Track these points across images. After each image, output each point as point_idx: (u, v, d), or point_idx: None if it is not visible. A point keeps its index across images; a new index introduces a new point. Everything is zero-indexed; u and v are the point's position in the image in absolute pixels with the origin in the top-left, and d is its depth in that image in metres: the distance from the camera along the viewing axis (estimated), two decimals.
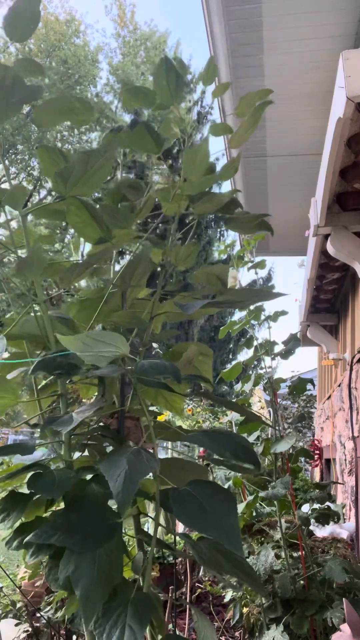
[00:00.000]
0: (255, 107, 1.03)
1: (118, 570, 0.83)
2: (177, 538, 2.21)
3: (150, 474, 0.83)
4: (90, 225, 1.04)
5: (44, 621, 2.00)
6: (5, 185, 1.07)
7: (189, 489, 0.83)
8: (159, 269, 1.15)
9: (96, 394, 1.17)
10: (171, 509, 0.80)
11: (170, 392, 1.02)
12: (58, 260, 1.20)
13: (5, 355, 1.12)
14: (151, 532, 1.07)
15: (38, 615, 2.08)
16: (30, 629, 2.08)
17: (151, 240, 1.11)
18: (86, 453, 1.08)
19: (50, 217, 1.14)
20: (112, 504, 0.88)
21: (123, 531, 0.93)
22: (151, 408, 1.30)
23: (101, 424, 1.08)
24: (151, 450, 0.87)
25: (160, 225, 2.52)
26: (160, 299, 1.11)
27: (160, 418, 3.75)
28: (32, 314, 1.08)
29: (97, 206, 1.04)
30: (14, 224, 1.14)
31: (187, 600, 2.71)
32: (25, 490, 0.93)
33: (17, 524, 0.94)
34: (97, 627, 0.75)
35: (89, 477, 0.96)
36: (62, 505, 0.95)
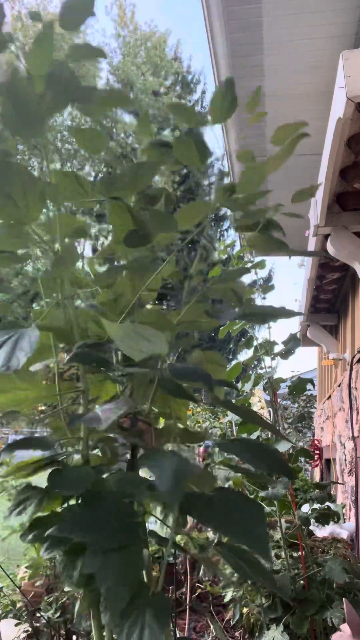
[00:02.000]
0: (292, 138, 1.06)
1: (139, 569, 0.85)
2: (178, 537, 2.21)
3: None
4: (129, 228, 1.05)
5: (44, 621, 2.00)
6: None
7: (215, 495, 0.84)
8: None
9: (114, 393, 1.18)
10: (190, 512, 0.81)
11: (184, 399, 1.03)
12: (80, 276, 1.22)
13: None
14: (157, 532, 1.09)
15: (38, 615, 2.08)
16: (30, 629, 2.09)
17: (205, 238, 1.14)
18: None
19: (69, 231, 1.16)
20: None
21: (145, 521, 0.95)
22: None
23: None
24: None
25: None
26: (169, 308, 1.13)
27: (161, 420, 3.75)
28: (60, 308, 1.09)
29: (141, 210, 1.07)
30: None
31: (187, 600, 2.71)
32: (37, 484, 0.94)
33: (32, 518, 0.95)
34: (114, 626, 0.76)
35: (104, 474, 0.96)
36: (74, 502, 0.95)
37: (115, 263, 1.20)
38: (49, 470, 0.91)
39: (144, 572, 0.90)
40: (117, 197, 1.03)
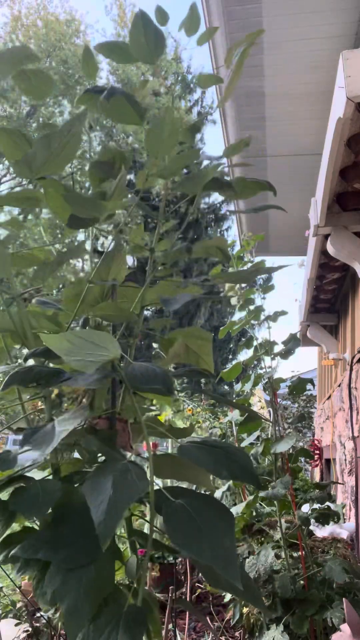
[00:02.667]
0: (241, 51, 0.98)
1: (108, 581, 0.78)
2: None
3: (147, 471, 0.78)
4: (69, 210, 0.96)
5: (44, 621, 2.00)
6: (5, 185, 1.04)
7: (183, 502, 0.75)
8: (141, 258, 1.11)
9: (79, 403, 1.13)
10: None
11: (153, 393, 0.96)
12: (30, 251, 1.12)
13: None
14: (145, 531, 1.03)
15: (38, 615, 2.08)
16: (30, 629, 2.08)
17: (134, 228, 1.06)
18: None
19: (22, 204, 1.05)
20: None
21: (117, 532, 0.90)
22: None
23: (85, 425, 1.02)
24: (144, 454, 0.82)
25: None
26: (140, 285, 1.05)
27: (160, 418, 3.75)
28: (5, 308, 1.02)
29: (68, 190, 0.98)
30: None
31: (187, 601, 2.71)
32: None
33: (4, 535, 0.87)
34: None
35: (77, 483, 0.90)
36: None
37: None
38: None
39: (116, 581, 0.84)
40: (43, 177, 0.95)
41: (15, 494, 0.82)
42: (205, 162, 1.03)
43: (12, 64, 0.98)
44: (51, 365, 0.98)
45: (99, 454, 0.98)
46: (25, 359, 0.95)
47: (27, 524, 0.97)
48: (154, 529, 0.80)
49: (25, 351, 1.05)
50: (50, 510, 0.83)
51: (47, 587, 0.73)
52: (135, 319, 1.00)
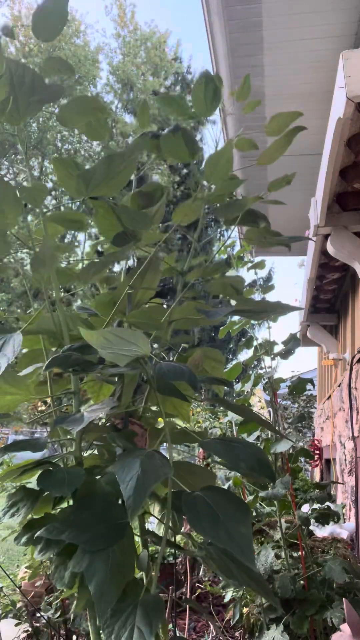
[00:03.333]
0: (289, 130, 1.05)
1: (130, 569, 0.84)
2: (178, 537, 2.21)
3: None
4: (116, 228, 1.04)
5: (44, 621, 2.00)
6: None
7: (202, 494, 0.81)
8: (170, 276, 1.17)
9: (109, 396, 1.17)
10: (182, 511, 0.79)
11: (174, 397, 1.01)
12: (70, 266, 1.21)
13: (23, 351, 1.14)
14: (156, 531, 1.08)
15: (38, 615, 2.08)
16: (30, 629, 2.08)
17: (168, 247, 1.12)
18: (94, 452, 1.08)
19: (66, 226, 1.14)
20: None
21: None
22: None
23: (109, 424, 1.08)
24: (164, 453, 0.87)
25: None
26: (163, 301, 1.12)
27: (160, 420, 3.75)
28: (48, 311, 1.08)
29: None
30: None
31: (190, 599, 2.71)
32: (32, 486, 0.93)
33: (25, 519, 0.94)
34: (105, 627, 0.75)
35: (98, 475, 0.96)
36: (70, 503, 0.95)
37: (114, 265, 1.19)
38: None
39: (137, 571, 0.90)
40: (96, 196, 1.01)
41: (43, 475, 0.88)
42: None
43: (83, 114, 1.05)
44: None
45: (118, 453, 1.03)
46: (63, 352, 1.01)
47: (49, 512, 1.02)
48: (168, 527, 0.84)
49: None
50: (70, 500, 0.91)
51: (74, 568, 0.78)
52: (164, 329, 1.06)
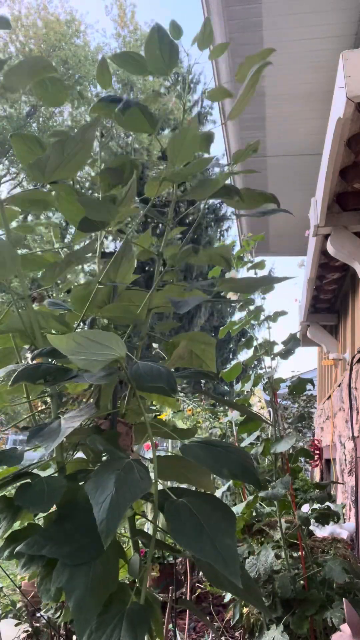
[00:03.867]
0: (255, 69, 1.00)
1: (113, 578, 0.79)
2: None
3: (150, 471, 0.79)
4: (82, 212, 0.99)
5: (44, 621, 2.00)
6: (5, 185, 1.06)
7: (186, 502, 0.76)
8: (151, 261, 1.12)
9: (85, 389, 1.14)
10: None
11: (158, 394, 0.98)
12: (39, 254, 1.14)
13: None
14: (151, 532, 1.05)
15: (38, 615, 2.08)
16: (30, 629, 2.08)
17: (139, 231, 1.08)
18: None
19: (31, 207, 1.08)
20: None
21: (119, 532, 0.90)
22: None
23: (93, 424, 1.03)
24: (146, 454, 0.83)
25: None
26: (147, 289, 1.07)
27: (161, 417, 3.74)
28: (16, 309, 1.03)
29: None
30: None
31: (189, 600, 2.71)
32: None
33: (8, 532, 0.89)
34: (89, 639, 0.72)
35: (82, 481, 0.91)
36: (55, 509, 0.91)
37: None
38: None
39: (119, 579, 0.85)
40: (55, 181, 0.97)
41: (21, 489, 0.83)
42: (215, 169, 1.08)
43: (31, 75, 1.01)
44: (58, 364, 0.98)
45: (103, 454, 0.98)
46: (32, 358, 0.96)
47: (32, 521, 0.98)
48: (156, 528, 0.81)
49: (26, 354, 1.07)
50: (55, 508, 0.85)
51: (54, 583, 0.74)
52: (142, 321, 1.02)
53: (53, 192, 1.06)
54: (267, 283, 1.07)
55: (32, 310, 1.02)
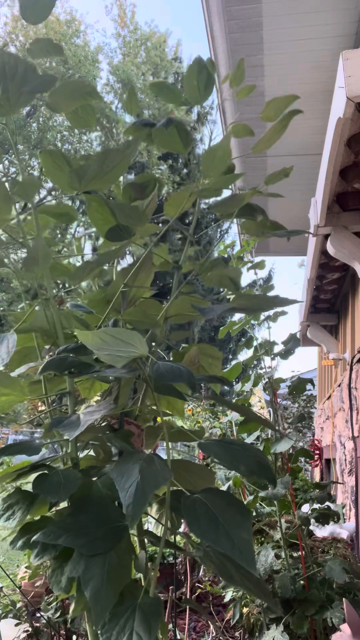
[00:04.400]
0: (285, 115, 1.03)
1: (127, 572, 0.82)
2: (178, 537, 2.21)
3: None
4: (110, 222, 1.03)
5: (44, 621, 2.00)
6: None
7: (201, 497, 0.79)
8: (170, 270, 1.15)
9: (98, 395, 1.16)
10: (180, 511, 0.78)
11: (172, 396, 1.00)
12: (61, 261, 1.20)
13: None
14: (153, 531, 1.06)
15: (38, 615, 2.08)
16: (30, 629, 2.08)
17: (169, 242, 1.11)
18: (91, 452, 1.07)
19: (55, 219, 1.13)
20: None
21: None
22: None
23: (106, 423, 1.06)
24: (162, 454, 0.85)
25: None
26: (161, 299, 1.11)
27: (159, 419, 3.74)
28: (41, 309, 1.07)
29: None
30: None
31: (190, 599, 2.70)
32: (29, 487, 0.91)
33: (21, 523, 0.92)
34: (104, 632, 0.73)
35: (94, 477, 0.94)
36: (66, 504, 0.93)
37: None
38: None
39: (135, 573, 0.88)
40: (89, 191, 1.00)
41: (39, 479, 0.86)
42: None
43: (75, 99, 1.04)
44: None
45: (114, 453, 1.02)
46: (58, 354, 0.99)
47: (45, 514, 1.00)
48: (167, 528, 0.83)
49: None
50: (68, 502, 0.88)
51: (70, 573, 0.76)
52: (160, 327, 1.04)
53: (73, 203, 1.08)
54: (278, 304, 1.09)
55: (57, 310, 1.05)
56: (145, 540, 0.99)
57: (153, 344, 1.07)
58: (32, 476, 0.92)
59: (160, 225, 1.14)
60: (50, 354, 1.06)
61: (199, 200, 1.09)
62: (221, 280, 1.14)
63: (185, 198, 1.06)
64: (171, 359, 1.18)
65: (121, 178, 1.05)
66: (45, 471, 0.90)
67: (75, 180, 0.97)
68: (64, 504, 0.94)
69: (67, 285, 1.19)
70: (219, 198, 1.09)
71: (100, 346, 0.80)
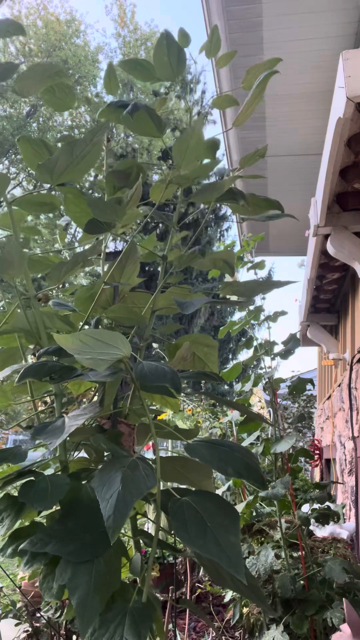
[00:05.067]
0: (262, 78, 1.00)
1: (116, 577, 0.80)
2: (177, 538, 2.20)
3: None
4: (89, 214, 1.00)
5: (44, 621, 2.00)
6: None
7: (190, 500, 0.77)
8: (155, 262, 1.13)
9: (92, 390, 1.14)
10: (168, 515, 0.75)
11: (160, 394, 0.98)
12: (45, 255, 1.16)
13: None
14: (151, 532, 1.05)
15: (38, 615, 2.08)
16: (30, 629, 2.08)
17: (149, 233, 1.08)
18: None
19: (37, 209, 1.09)
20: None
21: (121, 531, 0.90)
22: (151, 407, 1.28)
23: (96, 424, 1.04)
24: (148, 455, 0.83)
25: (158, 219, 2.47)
26: (151, 291, 1.08)
27: (160, 417, 3.74)
28: (22, 309, 1.04)
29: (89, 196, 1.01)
30: None
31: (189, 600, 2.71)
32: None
33: (10, 530, 0.89)
34: (93, 639, 0.72)
35: (85, 480, 0.92)
36: (59, 507, 0.92)
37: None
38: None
39: (122, 578, 0.86)
40: (63, 183, 0.98)
41: (25, 487, 0.83)
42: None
43: (42, 81, 1.02)
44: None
45: (106, 454, 0.99)
46: (38, 357, 0.97)
47: (36, 519, 0.99)
48: (159, 528, 0.81)
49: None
50: (58, 506, 0.85)
51: (57, 581, 0.74)
52: (146, 322, 1.02)
53: (57, 194, 1.06)
54: (270, 287, 1.07)
55: (38, 310, 1.03)
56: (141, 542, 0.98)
57: (138, 340, 1.05)
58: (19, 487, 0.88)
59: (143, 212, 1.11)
60: (32, 355, 1.04)
61: (180, 189, 1.07)
62: (215, 263, 1.11)
63: (164, 187, 1.04)
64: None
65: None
66: (32, 478, 0.86)
67: (46, 173, 0.94)
68: (55, 507, 0.92)
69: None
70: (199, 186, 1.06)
71: (81, 349, 0.77)
